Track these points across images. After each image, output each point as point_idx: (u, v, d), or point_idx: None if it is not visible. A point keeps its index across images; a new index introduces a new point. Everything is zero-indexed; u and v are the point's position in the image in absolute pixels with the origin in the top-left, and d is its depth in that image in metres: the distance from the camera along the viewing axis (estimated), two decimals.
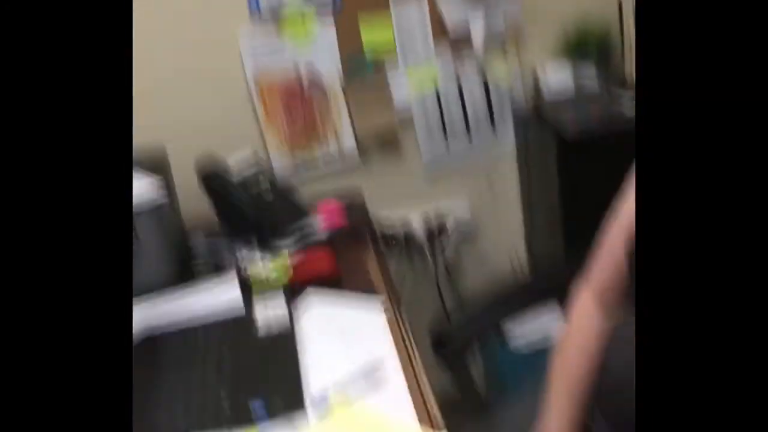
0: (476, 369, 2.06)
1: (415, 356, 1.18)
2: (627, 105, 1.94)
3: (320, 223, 1.72)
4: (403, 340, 1.23)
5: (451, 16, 2.08)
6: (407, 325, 1.28)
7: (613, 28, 2.11)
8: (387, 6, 2.03)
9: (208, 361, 1.25)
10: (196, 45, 1.93)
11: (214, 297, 1.46)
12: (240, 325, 1.36)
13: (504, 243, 2.31)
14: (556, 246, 1.99)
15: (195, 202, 1.74)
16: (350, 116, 2.08)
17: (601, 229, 1.27)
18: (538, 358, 1.88)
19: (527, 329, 1.91)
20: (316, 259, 1.53)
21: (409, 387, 1.10)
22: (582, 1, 2.11)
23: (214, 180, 1.67)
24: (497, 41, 2.12)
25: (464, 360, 1.52)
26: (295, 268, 1.52)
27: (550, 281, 1.54)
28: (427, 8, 2.06)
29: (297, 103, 2.04)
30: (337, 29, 2.01)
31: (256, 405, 1.10)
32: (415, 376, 1.13)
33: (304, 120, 2.06)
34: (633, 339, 1.10)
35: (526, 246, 2.29)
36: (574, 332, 1.24)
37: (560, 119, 1.90)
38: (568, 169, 1.92)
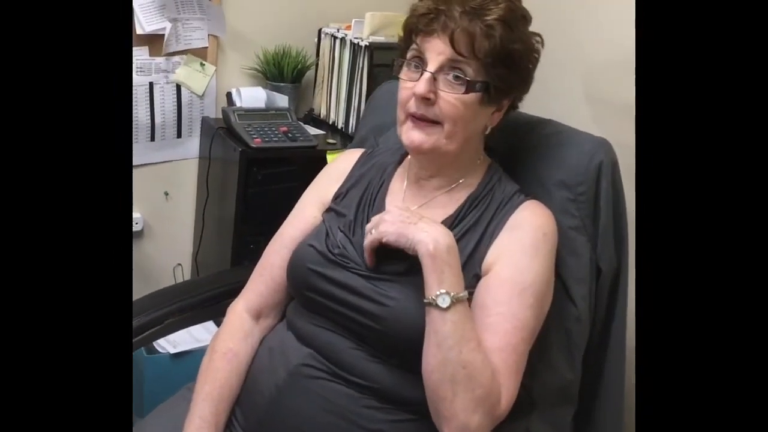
0: None
1: None
2: (312, 133, 2.03)
3: None
4: None
5: (151, 20, 2.02)
6: None
7: (309, 62, 2.21)
8: None
9: None
10: None
11: None
12: None
13: (172, 251, 2.27)
14: (224, 258, 2.00)
15: None
16: None
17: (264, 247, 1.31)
18: (186, 362, 1.88)
19: (178, 336, 1.89)
20: None
21: None
22: (283, 32, 2.19)
23: None
24: (197, 54, 2.12)
25: None
26: None
27: (208, 291, 1.54)
28: None
29: None
30: None
31: None
32: None
33: None
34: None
35: (193, 256, 2.27)
36: (224, 336, 1.25)
37: (250, 135, 1.93)
38: (248, 184, 1.95)
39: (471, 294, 1.08)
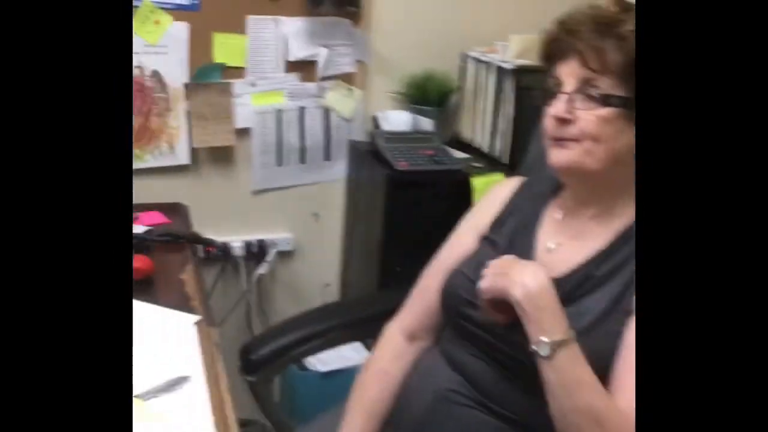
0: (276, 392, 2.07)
1: (221, 377, 1.18)
2: (457, 156, 2.05)
3: (139, 229, 1.68)
4: (212, 360, 1.22)
5: (301, 47, 2.11)
6: (218, 346, 1.27)
7: (454, 86, 2.23)
8: (244, 21, 2.03)
9: None
10: None
11: None
12: None
13: (321, 271, 2.34)
14: (371, 280, 2.05)
15: None
16: (189, 123, 2.05)
17: (419, 270, 1.34)
18: (334, 382, 1.95)
19: (328, 356, 1.96)
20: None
21: (213, 406, 1.09)
22: (428, 57, 2.22)
23: None
24: (345, 79, 2.19)
25: (269, 384, 1.53)
26: None
27: (361, 312, 1.59)
28: (282, 34, 2.09)
29: (137, 103, 1.98)
30: (190, 33, 1.98)
31: None
32: (220, 396, 1.12)
33: (141, 120, 2.00)
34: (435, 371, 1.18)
35: (341, 277, 2.34)
36: (377, 356, 1.30)
37: (396, 159, 1.97)
38: (394, 207, 1.99)
39: (619, 333, 1.05)
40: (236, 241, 2.19)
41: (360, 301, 1.90)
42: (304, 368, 1.99)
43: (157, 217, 1.79)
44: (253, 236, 2.22)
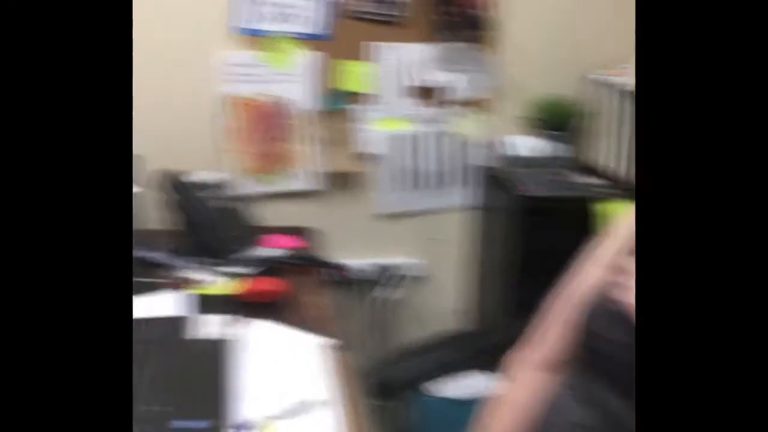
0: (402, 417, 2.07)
1: (358, 401, 1.18)
2: (586, 182, 2.01)
3: (273, 252, 1.72)
4: (347, 384, 1.23)
5: (427, 73, 2.12)
6: (352, 370, 1.28)
7: (583, 110, 2.19)
8: (371, 48, 2.07)
9: (142, 380, 1.21)
10: (175, 61, 1.94)
11: (152, 312, 1.41)
12: (177, 343, 1.33)
13: (449, 297, 2.34)
14: (497, 308, 2.03)
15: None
16: (316, 149, 2.09)
17: (552, 297, 1.31)
18: (463, 409, 1.92)
19: (458, 383, 1.94)
20: (265, 287, 1.52)
21: (349, 431, 1.10)
22: (554, 81, 2.20)
23: (179, 194, 1.65)
24: (471, 104, 2.19)
25: (398, 409, 1.53)
26: (243, 293, 1.50)
27: (489, 340, 1.57)
28: (408, 60, 2.10)
29: (267, 129, 2.04)
30: (318, 61, 2.03)
31: (177, 425, 1.07)
32: (356, 420, 1.13)
33: (271, 146, 2.06)
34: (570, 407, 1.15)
35: (467, 303, 2.32)
36: (507, 386, 1.28)
37: (521, 184, 1.95)
38: (520, 233, 1.96)
39: None
40: (363, 266, 2.22)
41: (489, 329, 1.88)
42: (431, 394, 1.98)
43: (289, 241, 1.84)
44: (380, 261, 2.23)
